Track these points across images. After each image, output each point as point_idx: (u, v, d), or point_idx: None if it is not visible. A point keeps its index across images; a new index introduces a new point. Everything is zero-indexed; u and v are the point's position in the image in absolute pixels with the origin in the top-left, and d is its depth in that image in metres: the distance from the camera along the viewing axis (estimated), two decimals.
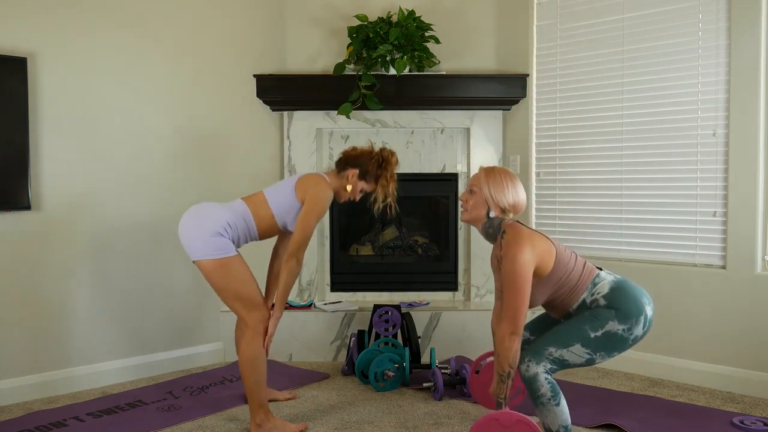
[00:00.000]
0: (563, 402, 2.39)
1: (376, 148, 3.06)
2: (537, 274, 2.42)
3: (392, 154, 3.05)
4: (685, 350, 3.57)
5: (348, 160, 3.01)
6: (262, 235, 2.96)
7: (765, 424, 2.86)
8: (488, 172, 2.53)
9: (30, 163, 3.27)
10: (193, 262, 2.78)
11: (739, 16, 3.34)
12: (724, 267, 3.45)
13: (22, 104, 3.22)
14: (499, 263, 2.50)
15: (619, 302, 2.39)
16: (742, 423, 2.88)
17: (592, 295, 2.44)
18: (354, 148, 3.06)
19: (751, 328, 3.34)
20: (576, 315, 2.48)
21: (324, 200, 2.87)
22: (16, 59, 3.21)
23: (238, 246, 2.88)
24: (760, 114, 3.30)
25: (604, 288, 2.44)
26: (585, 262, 2.52)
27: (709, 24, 3.48)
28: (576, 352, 2.37)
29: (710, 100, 3.48)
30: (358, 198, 3.07)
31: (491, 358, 3.06)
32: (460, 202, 2.55)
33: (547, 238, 2.49)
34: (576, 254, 2.54)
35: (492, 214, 2.51)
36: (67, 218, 3.46)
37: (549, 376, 2.38)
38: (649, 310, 2.42)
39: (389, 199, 3.03)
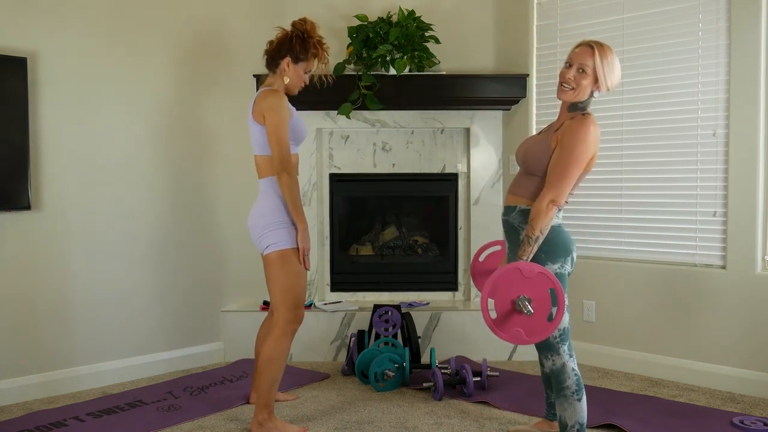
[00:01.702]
0: (584, 399, 2.43)
1: (290, 29, 2.96)
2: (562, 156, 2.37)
3: (305, 20, 2.95)
4: (685, 350, 3.57)
5: (273, 54, 2.93)
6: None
7: (765, 424, 2.86)
8: (601, 50, 2.41)
9: (30, 163, 3.27)
10: (262, 257, 2.83)
11: (739, 16, 3.34)
12: (724, 267, 3.45)
13: (22, 104, 3.22)
14: (560, 129, 2.42)
15: (549, 243, 2.39)
16: (742, 423, 2.88)
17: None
18: (270, 42, 2.96)
19: (751, 328, 3.34)
20: (516, 217, 2.48)
21: (279, 106, 2.81)
22: (16, 59, 3.21)
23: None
24: (760, 114, 3.30)
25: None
26: (567, 201, 2.49)
27: (709, 24, 3.47)
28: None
29: (710, 100, 3.48)
30: (307, 81, 2.98)
31: (494, 248, 3.03)
32: (564, 82, 2.43)
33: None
34: (578, 188, 2.53)
35: (596, 94, 2.45)
36: (67, 218, 3.46)
37: (576, 368, 2.43)
38: (574, 254, 2.46)
39: (325, 65, 2.96)
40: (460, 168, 4.37)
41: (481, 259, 3.06)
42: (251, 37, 4.18)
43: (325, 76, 3.08)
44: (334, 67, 4.08)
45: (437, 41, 4.16)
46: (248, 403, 3.25)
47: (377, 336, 3.74)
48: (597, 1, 3.86)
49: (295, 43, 2.90)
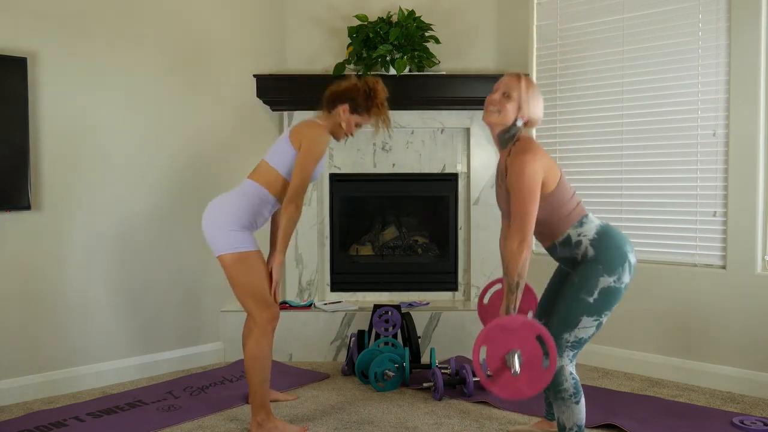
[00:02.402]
0: (582, 401, 2.42)
1: (359, 81, 2.99)
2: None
3: (377, 81, 2.98)
4: (686, 350, 3.57)
5: (336, 97, 2.95)
6: (281, 198, 2.91)
7: (765, 424, 2.86)
8: (527, 81, 2.47)
9: (30, 163, 3.27)
10: (217, 257, 2.81)
11: (739, 16, 3.34)
12: (724, 267, 3.45)
13: (22, 104, 3.22)
14: (505, 171, 2.46)
15: (604, 253, 2.39)
16: (742, 423, 2.88)
17: (578, 234, 2.43)
18: (338, 84, 2.99)
19: (751, 328, 3.34)
20: (561, 250, 2.48)
21: (321, 142, 2.85)
22: (16, 59, 3.21)
23: (264, 221, 2.88)
24: (760, 114, 3.30)
25: (590, 231, 2.43)
26: (579, 201, 2.52)
27: (709, 24, 3.48)
28: (586, 326, 2.38)
29: (710, 100, 3.48)
30: (354, 133, 3.01)
31: (498, 286, 3.03)
32: (490, 104, 2.47)
33: (555, 162, 2.48)
34: (575, 190, 2.53)
35: (519, 123, 2.47)
36: (67, 218, 3.46)
37: (574, 372, 2.41)
38: (632, 258, 2.43)
39: (385, 125, 3.00)
40: (460, 168, 4.37)
41: (485, 301, 3.08)
42: (252, 37, 4.18)
43: (387, 127, 3.05)
44: (334, 67, 4.08)
45: (437, 41, 4.16)
46: (248, 403, 3.25)
47: (377, 336, 3.74)
48: (597, 1, 3.87)
49: (360, 95, 2.93)
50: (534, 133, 4.16)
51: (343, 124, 2.94)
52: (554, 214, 2.44)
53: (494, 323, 2.23)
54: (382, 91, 2.97)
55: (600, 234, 2.42)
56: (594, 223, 2.46)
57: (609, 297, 2.38)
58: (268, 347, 2.81)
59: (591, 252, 2.41)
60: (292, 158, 2.85)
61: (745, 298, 3.36)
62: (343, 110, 2.93)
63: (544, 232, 2.52)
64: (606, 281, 2.36)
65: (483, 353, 2.23)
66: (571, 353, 2.41)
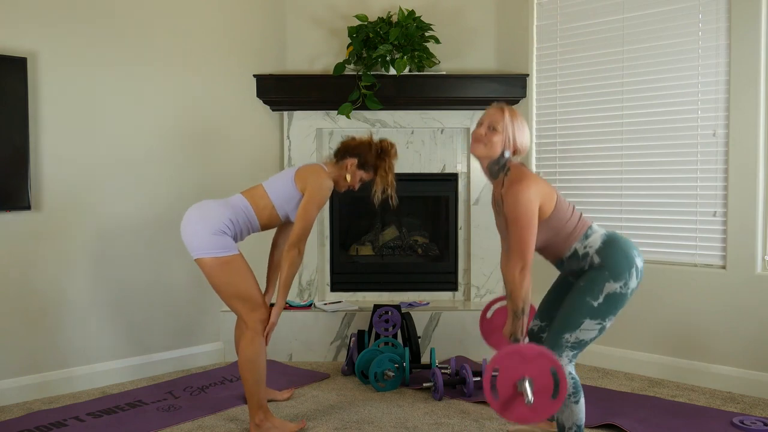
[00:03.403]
0: (582, 401, 2.42)
1: (376, 139, 3.06)
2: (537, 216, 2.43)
3: (391, 145, 3.05)
4: (685, 350, 3.57)
5: (347, 150, 3.02)
6: (264, 227, 2.97)
7: (765, 424, 2.86)
8: (512, 113, 2.51)
9: (30, 163, 3.27)
10: (195, 260, 2.79)
11: (739, 16, 3.34)
12: (724, 267, 3.45)
13: (22, 104, 3.22)
14: (501, 201, 2.49)
15: (611, 259, 2.40)
16: (742, 423, 2.88)
17: (585, 247, 2.45)
18: (353, 138, 3.08)
19: (751, 328, 3.34)
20: (568, 264, 2.50)
21: (324, 190, 2.88)
22: (16, 59, 3.21)
23: (240, 239, 2.89)
24: (760, 114, 3.30)
25: (596, 241, 2.44)
26: (581, 214, 2.54)
27: (709, 24, 3.48)
28: (588, 328, 2.39)
29: (710, 100, 3.48)
30: (357, 187, 3.07)
31: (500, 303, 3.04)
32: (476, 139, 2.52)
33: (549, 184, 2.50)
34: (573, 205, 2.55)
35: (507, 154, 2.50)
36: (67, 218, 3.46)
37: (573, 372, 2.42)
38: (639, 262, 2.43)
39: (389, 190, 3.04)
40: (460, 168, 4.37)
41: (488, 315, 3.09)
42: (251, 37, 4.18)
43: (391, 198, 3.09)
44: (334, 66, 4.08)
45: (437, 41, 4.16)
46: (246, 403, 3.25)
47: (377, 336, 3.74)
48: (597, 1, 3.87)
49: (371, 152, 2.99)
50: (534, 136, 4.16)
51: (348, 177, 2.99)
52: (558, 235, 2.47)
53: (513, 349, 2.24)
54: (394, 156, 3.04)
55: (606, 243, 2.44)
56: (599, 233, 2.47)
57: (614, 302, 2.38)
58: (261, 348, 2.80)
59: (597, 260, 2.42)
60: (290, 197, 2.89)
61: (745, 298, 3.36)
62: (351, 163, 2.99)
63: (550, 253, 2.54)
64: (612, 287, 2.37)
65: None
66: (571, 353, 2.41)
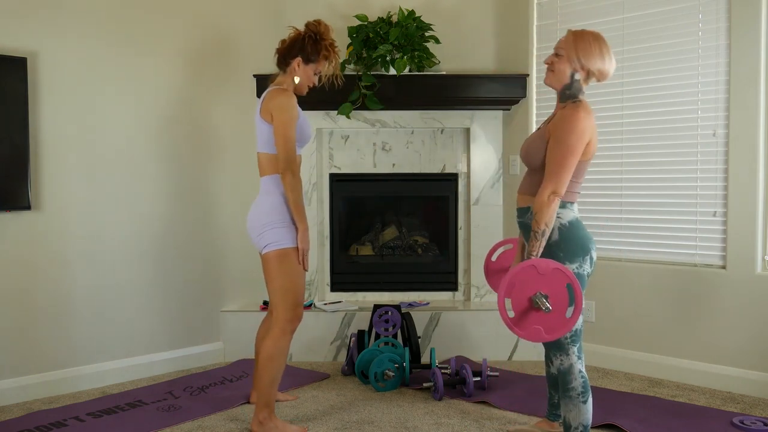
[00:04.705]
0: (590, 401, 2.42)
1: (302, 28, 2.97)
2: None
3: (319, 22, 2.97)
4: (685, 350, 3.57)
5: (285, 54, 2.94)
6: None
7: (765, 424, 2.86)
8: (577, 35, 2.46)
9: (30, 163, 3.27)
10: (261, 256, 2.83)
11: (739, 16, 3.34)
12: (724, 267, 3.45)
13: (22, 104, 3.22)
14: (552, 121, 2.45)
15: (567, 241, 2.40)
16: (742, 423, 2.88)
17: (558, 215, 2.42)
18: (283, 41, 2.98)
19: (751, 328, 3.34)
20: (529, 216, 2.47)
21: (287, 105, 2.81)
22: (16, 59, 3.21)
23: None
24: (760, 114, 3.30)
25: (566, 216, 2.42)
26: (579, 190, 2.51)
27: (709, 24, 3.48)
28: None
29: (710, 100, 3.48)
30: (316, 82, 3.00)
31: (506, 246, 3.02)
32: (546, 66, 2.50)
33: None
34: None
35: (578, 77, 2.45)
36: (67, 218, 3.46)
37: (583, 370, 2.42)
38: (593, 253, 2.45)
39: (336, 68, 2.99)
40: (460, 168, 4.37)
41: (493, 258, 3.05)
42: (251, 37, 4.18)
43: (336, 77, 3.07)
44: None
45: (437, 41, 4.16)
46: (248, 402, 3.25)
47: (377, 336, 3.74)
48: (597, 1, 3.87)
49: (307, 43, 2.91)
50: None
51: (302, 78, 2.92)
52: None
53: (527, 263, 2.20)
54: (327, 30, 2.96)
55: (571, 224, 2.42)
56: (573, 213, 2.46)
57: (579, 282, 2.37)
58: (286, 347, 2.81)
59: (555, 236, 2.41)
60: (271, 133, 2.83)
61: (745, 298, 3.36)
62: (297, 64, 2.91)
63: (533, 185, 2.49)
64: (569, 267, 2.36)
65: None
66: (575, 347, 2.41)
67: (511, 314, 2.20)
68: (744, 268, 3.36)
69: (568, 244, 2.40)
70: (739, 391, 3.36)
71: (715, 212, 3.48)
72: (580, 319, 2.41)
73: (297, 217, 2.80)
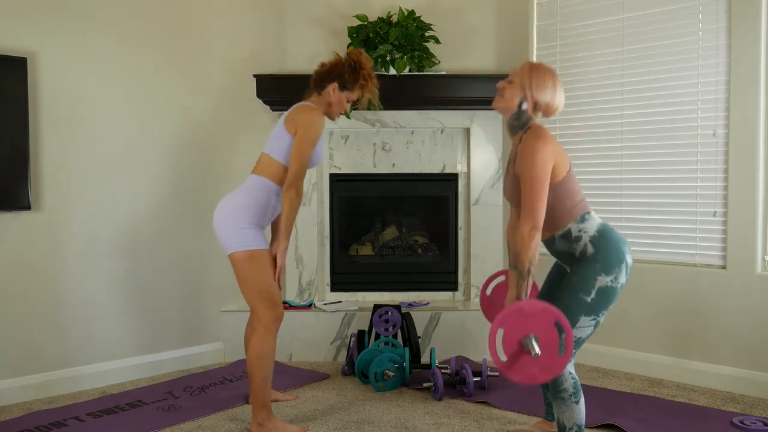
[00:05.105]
0: (582, 401, 2.42)
1: (343, 55, 3.00)
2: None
3: (360, 53, 2.99)
4: (685, 350, 3.57)
5: (323, 77, 2.96)
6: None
7: (765, 424, 2.86)
8: (533, 66, 2.49)
9: (30, 163, 3.27)
10: (228, 255, 2.81)
11: (739, 16, 3.34)
12: (724, 267, 3.45)
13: (22, 104, 3.22)
14: (515, 159, 2.46)
15: (603, 251, 2.39)
16: (742, 423, 2.88)
17: (579, 230, 2.43)
18: (323, 64, 3.00)
19: (751, 328, 3.34)
20: (559, 243, 2.47)
21: (316, 125, 2.84)
22: (16, 59, 3.21)
23: (273, 216, 2.89)
24: (760, 114, 3.30)
25: (591, 228, 2.42)
26: (584, 197, 2.52)
27: (709, 24, 3.48)
28: (584, 325, 2.38)
29: (710, 100, 3.48)
30: (348, 109, 3.02)
31: (501, 278, 3.02)
32: (497, 89, 2.55)
33: (564, 151, 2.49)
34: (581, 188, 2.54)
35: (524, 107, 2.48)
36: (67, 218, 3.46)
37: (573, 371, 2.41)
38: (629, 259, 2.43)
39: (373, 99, 3.01)
40: (460, 168, 4.37)
41: (488, 292, 3.07)
42: (251, 37, 4.18)
43: (376, 104, 3.09)
44: None
45: (437, 41, 4.16)
46: (248, 403, 3.25)
47: (377, 336, 3.74)
48: (597, 1, 3.87)
49: (346, 71, 2.93)
50: None
51: (335, 103, 2.94)
52: (559, 204, 2.44)
53: (513, 307, 2.20)
54: (367, 61, 2.97)
55: (600, 233, 2.42)
56: (596, 221, 2.46)
57: (606, 296, 2.38)
58: (271, 346, 2.81)
59: (590, 249, 2.41)
60: (290, 145, 2.84)
61: (745, 298, 3.36)
62: (332, 89, 2.93)
63: (546, 222, 2.49)
64: (603, 280, 2.37)
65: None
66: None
67: (503, 358, 2.20)
68: (744, 268, 3.36)
69: (604, 253, 2.39)
70: (739, 391, 3.36)
71: (715, 212, 3.48)
72: (590, 329, 2.40)
73: (285, 233, 2.81)
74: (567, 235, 2.46)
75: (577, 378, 2.43)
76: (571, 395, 2.39)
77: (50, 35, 3.38)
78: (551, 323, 2.18)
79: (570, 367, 2.42)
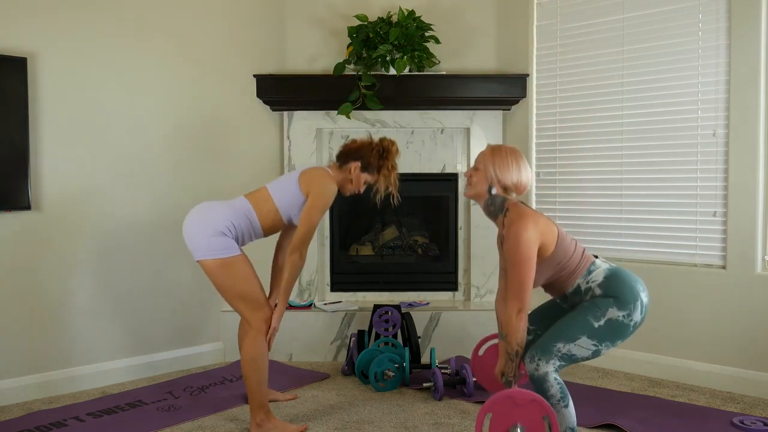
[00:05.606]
0: (571, 404, 2.42)
1: (376, 139, 3.06)
2: (539, 255, 2.43)
3: (392, 143, 3.04)
4: (685, 350, 3.57)
5: (349, 153, 3.01)
6: (267, 232, 2.95)
7: (765, 424, 2.86)
8: (494, 150, 2.54)
9: (30, 163, 3.27)
10: (197, 261, 2.79)
11: (739, 16, 3.34)
12: (724, 267, 3.45)
13: (22, 104, 3.22)
14: (502, 242, 2.51)
15: (615, 290, 2.41)
16: (742, 423, 2.88)
17: (587, 282, 2.47)
18: (354, 141, 3.07)
19: (751, 328, 3.34)
20: (571, 299, 2.53)
21: (329, 195, 2.88)
22: (16, 59, 3.21)
23: (242, 244, 2.88)
24: (760, 114, 3.30)
25: (599, 276, 2.46)
26: (583, 249, 2.56)
27: (709, 24, 3.48)
28: (583, 345, 2.38)
29: (710, 100, 3.49)
30: (362, 190, 3.07)
31: (493, 341, 3.05)
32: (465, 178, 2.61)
33: (550, 220, 2.51)
34: (575, 240, 2.57)
35: (494, 191, 2.52)
36: (67, 218, 3.46)
37: (558, 377, 2.41)
38: (644, 296, 2.44)
39: (392, 189, 3.05)
40: (460, 168, 4.37)
41: (480, 352, 3.11)
42: (251, 37, 4.18)
43: (393, 197, 3.13)
44: (334, 67, 4.08)
45: (437, 41, 4.16)
46: (247, 403, 3.25)
47: (377, 336, 3.74)
48: (597, 1, 3.87)
49: (373, 154, 2.99)
50: (534, 136, 4.16)
51: (353, 181, 2.99)
52: (561, 272, 2.48)
53: (504, 395, 2.24)
54: (395, 153, 3.03)
55: (608, 277, 2.45)
56: (602, 268, 2.48)
57: (615, 329, 2.38)
58: (264, 347, 2.81)
59: (599, 291, 2.44)
60: (294, 201, 2.87)
61: (745, 298, 3.36)
62: (354, 167, 2.98)
63: (554, 289, 2.56)
64: (615, 314, 2.38)
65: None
66: (558, 363, 2.40)
67: None
68: (744, 268, 3.36)
69: (617, 291, 2.40)
70: (739, 391, 3.36)
71: (715, 212, 3.48)
72: (587, 353, 2.40)
73: (284, 295, 2.84)
74: (577, 291, 2.50)
75: (563, 382, 2.43)
76: (559, 400, 2.39)
77: (50, 35, 3.38)
78: (540, 416, 2.21)
79: (555, 374, 2.41)
